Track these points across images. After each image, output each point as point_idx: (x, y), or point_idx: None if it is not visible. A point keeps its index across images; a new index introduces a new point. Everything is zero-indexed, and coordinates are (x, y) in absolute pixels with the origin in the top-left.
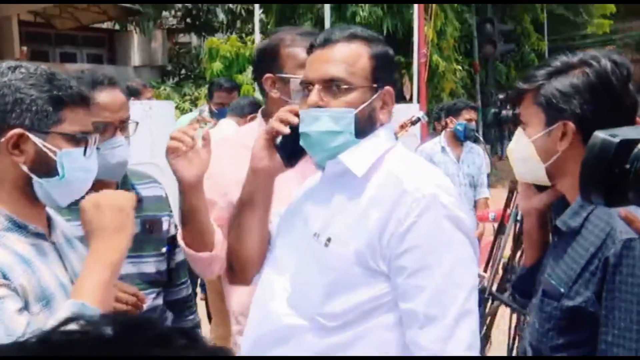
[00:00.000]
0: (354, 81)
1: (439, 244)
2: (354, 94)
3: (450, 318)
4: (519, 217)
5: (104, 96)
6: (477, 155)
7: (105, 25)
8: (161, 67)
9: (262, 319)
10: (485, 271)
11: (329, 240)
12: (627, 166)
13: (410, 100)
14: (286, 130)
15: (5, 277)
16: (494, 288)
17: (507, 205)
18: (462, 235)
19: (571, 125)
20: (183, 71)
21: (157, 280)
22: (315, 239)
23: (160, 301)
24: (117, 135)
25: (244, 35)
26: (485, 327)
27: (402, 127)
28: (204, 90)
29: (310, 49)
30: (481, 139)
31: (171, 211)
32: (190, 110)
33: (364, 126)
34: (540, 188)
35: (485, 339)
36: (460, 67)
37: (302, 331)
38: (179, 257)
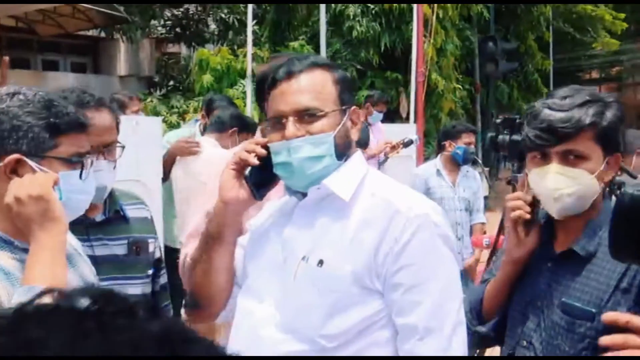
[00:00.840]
0: (325, 107)
1: (433, 260)
2: (328, 119)
3: (448, 329)
4: None
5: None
6: (473, 179)
7: (90, 33)
8: (148, 77)
9: (250, 348)
10: None
11: (320, 262)
12: None
13: (407, 119)
14: (255, 161)
15: None
16: None
17: (500, 231)
18: (450, 252)
19: (620, 155)
20: (171, 83)
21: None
22: (305, 262)
23: None
24: (99, 160)
25: (235, 47)
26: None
27: (394, 148)
28: (193, 103)
29: (273, 84)
30: (479, 161)
31: (156, 233)
32: (179, 124)
33: (342, 148)
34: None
35: None
36: (460, 87)
37: (301, 355)
38: (162, 279)
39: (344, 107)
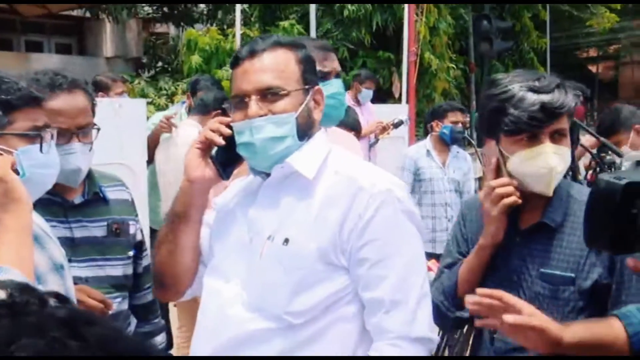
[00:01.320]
0: (287, 86)
1: (397, 235)
2: (290, 99)
3: (413, 302)
4: None
5: (61, 102)
6: (463, 160)
7: (75, 13)
8: (136, 59)
9: (217, 327)
10: None
11: (286, 240)
12: (635, 211)
13: (400, 100)
14: (221, 141)
15: None
16: None
17: None
18: (414, 228)
19: None
20: (159, 64)
21: (123, 284)
22: (270, 241)
23: (125, 306)
24: (72, 142)
25: (225, 27)
26: (459, 335)
27: (384, 129)
28: (182, 85)
29: (236, 62)
30: (473, 142)
31: (137, 215)
32: (167, 107)
33: (304, 127)
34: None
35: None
36: (454, 66)
37: (268, 333)
38: (145, 261)
39: (307, 87)
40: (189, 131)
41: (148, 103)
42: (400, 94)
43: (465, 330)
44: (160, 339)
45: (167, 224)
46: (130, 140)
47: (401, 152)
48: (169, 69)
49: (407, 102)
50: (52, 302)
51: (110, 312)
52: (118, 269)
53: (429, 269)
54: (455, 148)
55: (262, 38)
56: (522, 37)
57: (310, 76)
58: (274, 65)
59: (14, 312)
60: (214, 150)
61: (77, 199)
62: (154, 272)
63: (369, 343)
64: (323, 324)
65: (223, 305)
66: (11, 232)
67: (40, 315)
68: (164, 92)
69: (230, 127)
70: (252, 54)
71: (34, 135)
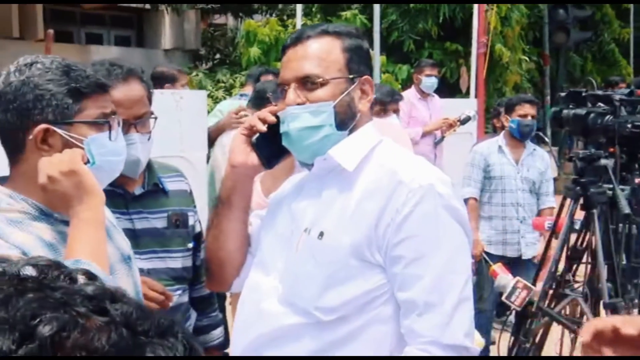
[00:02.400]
0: (327, 75)
1: (435, 233)
2: (330, 87)
3: (449, 305)
4: (576, 227)
5: (117, 92)
6: (540, 158)
7: (134, 5)
8: (194, 51)
9: (253, 321)
10: (535, 284)
11: (321, 234)
12: None
13: (467, 94)
14: (263, 127)
15: (24, 254)
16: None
17: (559, 212)
18: (458, 225)
19: None
20: (217, 56)
21: (182, 276)
22: (307, 234)
23: (185, 298)
24: (130, 132)
25: (285, 17)
26: (532, 343)
27: (451, 126)
28: (240, 77)
29: (283, 51)
30: (547, 139)
31: (195, 207)
32: (224, 99)
33: (344, 117)
34: None
35: (535, 354)
36: (526, 58)
37: (299, 329)
38: (203, 254)
39: (351, 76)
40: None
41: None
42: (468, 88)
43: (537, 340)
44: (217, 333)
45: (213, 210)
46: (190, 133)
47: (469, 149)
48: (227, 61)
49: (476, 96)
50: (81, 279)
51: (170, 304)
52: (178, 261)
53: (494, 273)
54: (531, 145)
55: (311, 26)
56: (603, 27)
57: (358, 66)
58: (315, 53)
59: (41, 285)
60: (255, 137)
61: (137, 190)
62: (204, 259)
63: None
64: (357, 324)
65: (259, 298)
66: (86, 224)
67: (67, 291)
68: (222, 84)
69: (277, 117)
70: (297, 41)
71: (102, 123)
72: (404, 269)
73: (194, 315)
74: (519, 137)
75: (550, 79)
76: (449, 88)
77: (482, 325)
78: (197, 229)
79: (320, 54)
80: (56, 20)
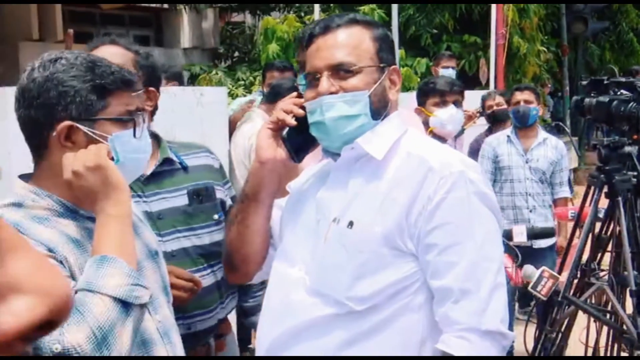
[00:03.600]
0: (360, 63)
1: (468, 219)
2: (363, 76)
3: (485, 291)
4: (600, 215)
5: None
6: (552, 148)
7: (154, 5)
8: (213, 49)
9: (281, 314)
10: (560, 273)
11: (350, 223)
12: None
13: (487, 86)
14: (292, 121)
15: (50, 251)
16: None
17: (584, 201)
18: (489, 211)
19: None
20: (236, 54)
21: (212, 252)
22: (336, 224)
23: (219, 276)
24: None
25: (303, 14)
26: (558, 332)
27: (470, 117)
28: (259, 75)
29: (310, 40)
30: (567, 129)
31: (227, 181)
32: (245, 96)
33: (378, 106)
34: None
35: (560, 343)
36: (545, 49)
37: (330, 320)
38: (225, 248)
39: (382, 65)
40: (247, 127)
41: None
42: (488, 80)
43: (563, 329)
44: None
45: (238, 204)
46: (211, 128)
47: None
48: (246, 58)
49: (495, 87)
50: None
51: (202, 286)
52: (204, 237)
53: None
54: (542, 134)
55: (338, 16)
56: (620, 17)
57: (387, 55)
58: (347, 41)
59: None
60: (285, 131)
61: (149, 170)
62: (224, 252)
63: (438, 336)
64: (387, 313)
65: (287, 290)
66: (112, 220)
67: None
68: (242, 82)
69: (303, 109)
70: (326, 30)
71: (127, 120)
72: (438, 256)
73: (236, 297)
74: (518, 124)
75: (568, 70)
76: (468, 80)
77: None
78: (229, 202)
79: (352, 42)
80: (76, 22)
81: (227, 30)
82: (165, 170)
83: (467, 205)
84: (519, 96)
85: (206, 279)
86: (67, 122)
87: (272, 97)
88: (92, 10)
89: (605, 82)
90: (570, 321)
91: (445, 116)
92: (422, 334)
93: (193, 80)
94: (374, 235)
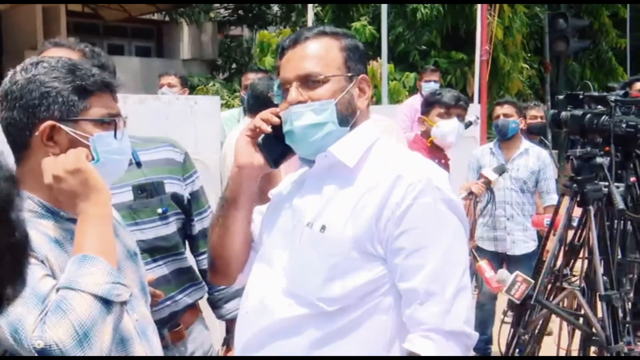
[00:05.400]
0: (328, 73)
1: (435, 224)
2: (330, 85)
3: (449, 293)
4: (573, 223)
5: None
6: (534, 157)
7: (155, 17)
8: (211, 61)
9: (256, 314)
10: (533, 278)
11: (323, 227)
12: None
13: (472, 100)
14: (268, 128)
15: (32, 251)
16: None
17: (556, 210)
18: (455, 217)
19: None
20: (234, 66)
21: (157, 246)
22: (309, 228)
23: (166, 270)
24: None
25: (297, 28)
26: (532, 335)
27: None
28: None
29: (282, 52)
30: (547, 142)
31: (186, 174)
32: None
33: (345, 114)
34: None
35: (533, 345)
36: (527, 66)
37: (302, 320)
38: (200, 225)
39: (350, 74)
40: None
41: (222, 104)
42: (472, 95)
43: (537, 329)
44: (231, 306)
45: (218, 209)
46: (204, 136)
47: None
48: (243, 70)
49: (479, 102)
50: None
51: (160, 298)
52: (148, 232)
53: (480, 269)
54: (525, 144)
55: (308, 29)
56: (600, 36)
57: (355, 64)
58: (314, 52)
59: None
60: (261, 137)
61: None
62: (208, 255)
63: (406, 336)
64: (358, 313)
65: (263, 292)
66: (93, 220)
67: None
68: (238, 93)
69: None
70: (296, 42)
71: (108, 122)
72: (405, 259)
73: (204, 290)
74: (499, 136)
75: (550, 86)
76: None
77: (484, 319)
78: (184, 196)
79: (320, 53)
80: (79, 32)
81: (225, 43)
82: None
83: (433, 211)
84: (499, 110)
85: (149, 273)
86: (50, 122)
87: (253, 100)
88: (96, 22)
89: (580, 96)
90: (543, 324)
91: (448, 128)
92: (391, 333)
93: (191, 91)
94: (344, 239)
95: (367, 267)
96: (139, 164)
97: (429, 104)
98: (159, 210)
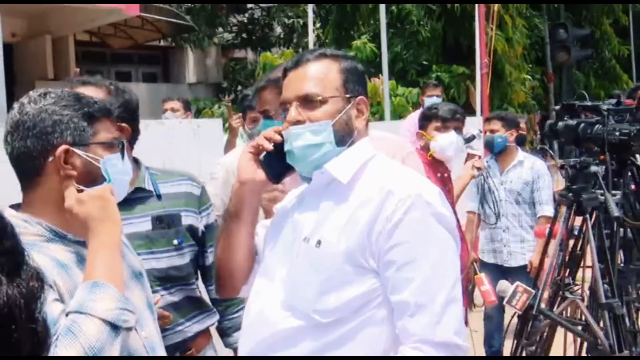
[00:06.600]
0: (326, 94)
1: (424, 238)
2: (328, 106)
3: (438, 305)
4: (575, 233)
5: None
6: (527, 169)
7: (161, 43)
8: (216, 84)
9: (257, 326)
10: (534, 288)
11: (319, 242)
12: None
13: (474, 113)
14: (269, 146)
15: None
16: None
17: (554, 219)
18: (445, 231)
19: None
20: (239, 88)
21: (169, 276)
22: (306, 243)
23: (176, 298)
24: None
25: (300, 50)
26: (537, 347)
27: None
28: None
29: (284, 74)
30: (551, 152)
31: (202, 208)
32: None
33: (343, 134)
34: None
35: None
36: (530, 77)
37: (298, 332)
38: (215, 263)
39: (348, 96)
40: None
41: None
42: (475, 107)
43: (544, 340)
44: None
45: (222, 223)
46: (207, 159)
47: None
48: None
49: (481, 114)
50: None
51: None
52: (162, 261)
53: (480, 282)
54: (520, 156)
55: (310, 51)
56: (602, 44)
57: (354, 86)
58: (314, 74)
59: None
60: (263, 155)
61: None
62: (214, 267)
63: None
64: (352, 325)
65: (263, 304)
66: (104, 249)
67: None
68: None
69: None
70: (297, 64)
71: (116, 145)
72: (396, 272)
73: (215, 316)
74: (490, 151)
75: (554, 96)
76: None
77: (492, 331)
78: (199, 228)
79: (319, 74)
80: (88, 61)
81: (229, 65)
82: (138, 198)
83: (423, 225)
84: (486, 126)
85: (165, 298)
86: (65, 146)
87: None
88: (103, 50)
89: (577, 106)
90: (550, 336)
91: (446, 142)
92: (385, 345)
93: (198, 114)
94: (338, 253)
95: (361, 280)
96: (159, 197)
97: (426, 119)
98: (175, 242)
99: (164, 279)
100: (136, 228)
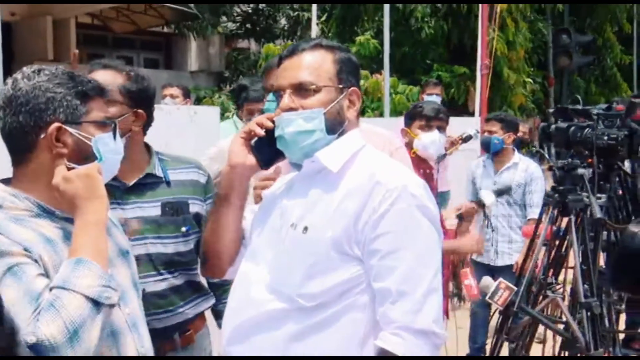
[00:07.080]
0: (320, 83)
1: (409, 229)
2: (321, 95)
3: (420, 294)
4: (561, 234)
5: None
6: (521, 171)
7: (165, 29)
8: (218, 73)
9: (242, 306)
10: (516, 285)
11: (305, 228)
12: None
13: (473, 114)
14: (261, 132)
15: (26, 250)
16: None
17: (539, 219)
18: (429, 223)
19: None
20: (240, 78)
21: (174, 261)
22: (293, 229)
23: (178, 281)
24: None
25: None
26: (517, 344)
27: (453, 143)
28: None
29: (280, 61)
30: (546, 156)
31: (207, 196)
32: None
33: (334, 123)
34: None
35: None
36: (531, 80)
37: (282, 314)
38: (202, 244)
39: (341, 86)
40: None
41: (229, 116)
42: (474, 108)
43: (526, 337)
44: None
45: (212, 205)
46: (204, 146)
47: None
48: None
49: (480, 115)
50: None
51: (161, 287)
52: (169, 246)
53: (464, 276)
54: (515, 158)
55: (306, 41)
56: (605, 52)
57: (347, 77)
58: (309, 63)
59: None
60: (254, 140)
61: (131, 181)
62: (201, 247)
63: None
64: (334, 310)
65: (248, 287)
66: (90, 226)
67: None
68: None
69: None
70: (293, 53)
71: (109, 124)
72: (380, 261)
73: (212, 300)
74: (487, 152)
75: (554, 101)
76: (457, 109)
77: (478, 326)
78: (205, 216)
79: (314, 64)
80: (89, 44)
81: (232, 55)
82: (148, 183)
83: (408, 216)
84: (485, 127)
85: (162, 283)
86: (57, 124)
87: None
88: (105, 34)
89: (570, 109)
90: (531, 333)
91: (428, 140)
92: (365, 330)
93: (198, 102)
94: (324, 240)
95: (345, 266)
96: (168, 183)
97: (410, 117)
98: (183, 229)
99: (169, 264)
100: (146, 212)
